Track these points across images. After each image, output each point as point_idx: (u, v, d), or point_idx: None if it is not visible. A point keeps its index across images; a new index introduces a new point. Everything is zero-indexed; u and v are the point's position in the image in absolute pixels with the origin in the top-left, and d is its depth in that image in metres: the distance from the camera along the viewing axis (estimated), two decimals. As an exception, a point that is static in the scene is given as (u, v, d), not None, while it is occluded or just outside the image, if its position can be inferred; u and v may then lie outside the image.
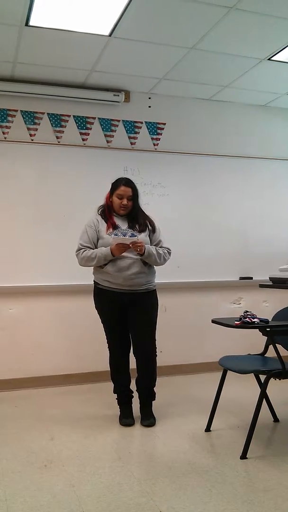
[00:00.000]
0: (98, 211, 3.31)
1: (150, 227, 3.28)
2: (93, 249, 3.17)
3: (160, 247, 3.23)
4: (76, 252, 3.21)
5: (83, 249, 3.18)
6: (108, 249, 3.08)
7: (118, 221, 3.24)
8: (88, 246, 3.18)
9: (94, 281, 3.30)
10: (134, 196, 3.25)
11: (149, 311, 3.24)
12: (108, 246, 3.10)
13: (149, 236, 3.24)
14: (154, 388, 3.29)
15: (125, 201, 3.21)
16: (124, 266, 3.12)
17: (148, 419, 3.20)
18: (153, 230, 3.29)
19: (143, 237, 3.17)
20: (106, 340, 3.30)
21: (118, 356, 3.28)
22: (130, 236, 3.14)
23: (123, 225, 3.23)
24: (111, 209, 3.26)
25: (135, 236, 3.15)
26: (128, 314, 3.21)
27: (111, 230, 3.18)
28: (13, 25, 3.20)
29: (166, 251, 3.26)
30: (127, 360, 3.31)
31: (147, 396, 3.27)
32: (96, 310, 3.30)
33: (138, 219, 3.26)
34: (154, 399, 3.30)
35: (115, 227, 3.20)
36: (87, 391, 4.00)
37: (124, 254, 3.10)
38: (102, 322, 3.29)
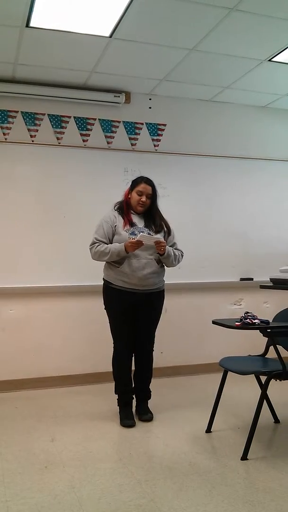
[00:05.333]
0: (114, 207, 3.33)
1: (165, 229, 3.31)
2: (107, 244, 3.18)
3: (175, 249, 3.29)
4: (90, 246, 3.22)
5: (98, 244, 3.19)
6: (122, 245, 3.10)
7: (135, 219, 3.26)
8: (102, 241, 3.20)
9: (104, 279, 3.31)
10: (153, 196, 3.28)
11: (157, 310, 3.33)
12: (123, 242, 3.11)
13: (164, 237, 3.26)
14: (150, 387, 3.35)
15: (143, 198, 3.23)
16: (139, 266, 3.14)
17: (146, 414, 3.27)
18: (169, 232, 3.33)
19: (159, 237, 3.20)
20: (112, 339, 3.31)
21: (123, 355, 3.30)
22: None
23: (139, 223, 3.25)
24: (129, 205, 3.28)
25: (151, 235, 3.18)
26: (137, 313, 3.24)
27: (128, 227, 3.20)
28: (14, 26, 3.21)
29: (180, 253, 3.33)
30: (131, 360, 3.34)
31: (145, 393, 3.33)
32: (104, 310, 3.31)
33: (155, 220, 3.29)
34: (150, 398, 3.36)
35: (132, 224, 3.22)
36: (87, 392, 4.00)
37: (139, 254, 3.12)
38: (110, 321, 3.30)
